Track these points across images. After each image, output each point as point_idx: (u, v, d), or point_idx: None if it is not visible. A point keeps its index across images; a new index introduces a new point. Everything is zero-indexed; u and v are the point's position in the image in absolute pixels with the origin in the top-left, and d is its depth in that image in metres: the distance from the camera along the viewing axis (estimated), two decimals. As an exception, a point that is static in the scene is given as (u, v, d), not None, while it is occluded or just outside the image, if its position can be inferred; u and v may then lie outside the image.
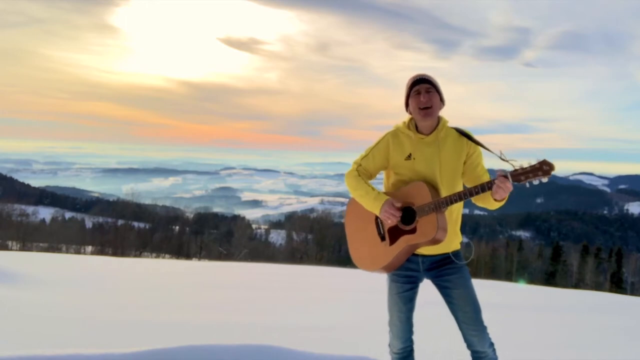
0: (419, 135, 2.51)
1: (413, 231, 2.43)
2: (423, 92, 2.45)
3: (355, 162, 2.63)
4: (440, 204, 2.36)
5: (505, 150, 2.28)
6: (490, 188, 2.27)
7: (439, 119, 2.54)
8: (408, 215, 2.46)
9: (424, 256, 2.53)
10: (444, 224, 2.40)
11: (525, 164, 2.22)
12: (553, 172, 2.19)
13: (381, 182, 2.76)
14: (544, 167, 2.18)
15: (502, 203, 2.39)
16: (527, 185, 2.22)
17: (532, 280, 41.17)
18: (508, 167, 2.28)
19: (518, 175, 2.22)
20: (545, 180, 2.18)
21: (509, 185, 2.22)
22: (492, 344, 2.49)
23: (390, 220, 2.43)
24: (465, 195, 2.34)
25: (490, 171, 2.54)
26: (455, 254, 2.55)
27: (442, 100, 2.52)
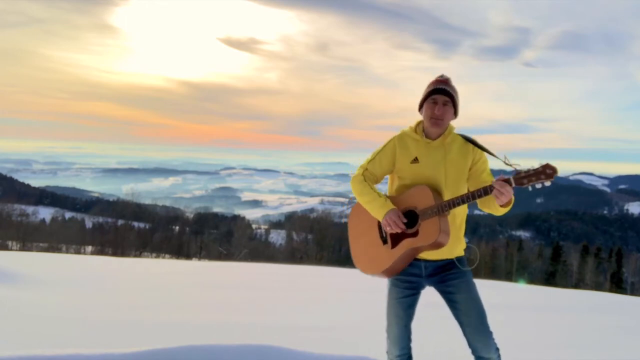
0: (426, 140, 2.50)
1: (415, 234, 2.40)
2: (440, 103, 2.44)
3: (361, 167, 2.60)
4: (443, 207, 2.34)
5: (506, 151, 2.28)
6: (492, 191, 2.24)
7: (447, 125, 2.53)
8: (411, 218, 2.44)
9: (426, 261, 2.50)
10: (447, 227, 2.37)
11: (529, 167, 2.19)
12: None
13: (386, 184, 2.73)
14: (547, 170, 2.16)
15: (509, 208, 2.36)
16: (530, 188, 2.20)
17: (532, 280, 41.15)
18: (511, 171, 2.25)
19: (521, 179, 2.19)
20: (548, 184, 2.15)
21: (509, 189, 2.19)
22: (497, 349, 2.44)
23: (390, 227, 2.41)
24: (467, 199, 2.31)
25: (495, 172, 2.51)
26: (459, 259, 2.51)
27: (455, 113, 2.51)
